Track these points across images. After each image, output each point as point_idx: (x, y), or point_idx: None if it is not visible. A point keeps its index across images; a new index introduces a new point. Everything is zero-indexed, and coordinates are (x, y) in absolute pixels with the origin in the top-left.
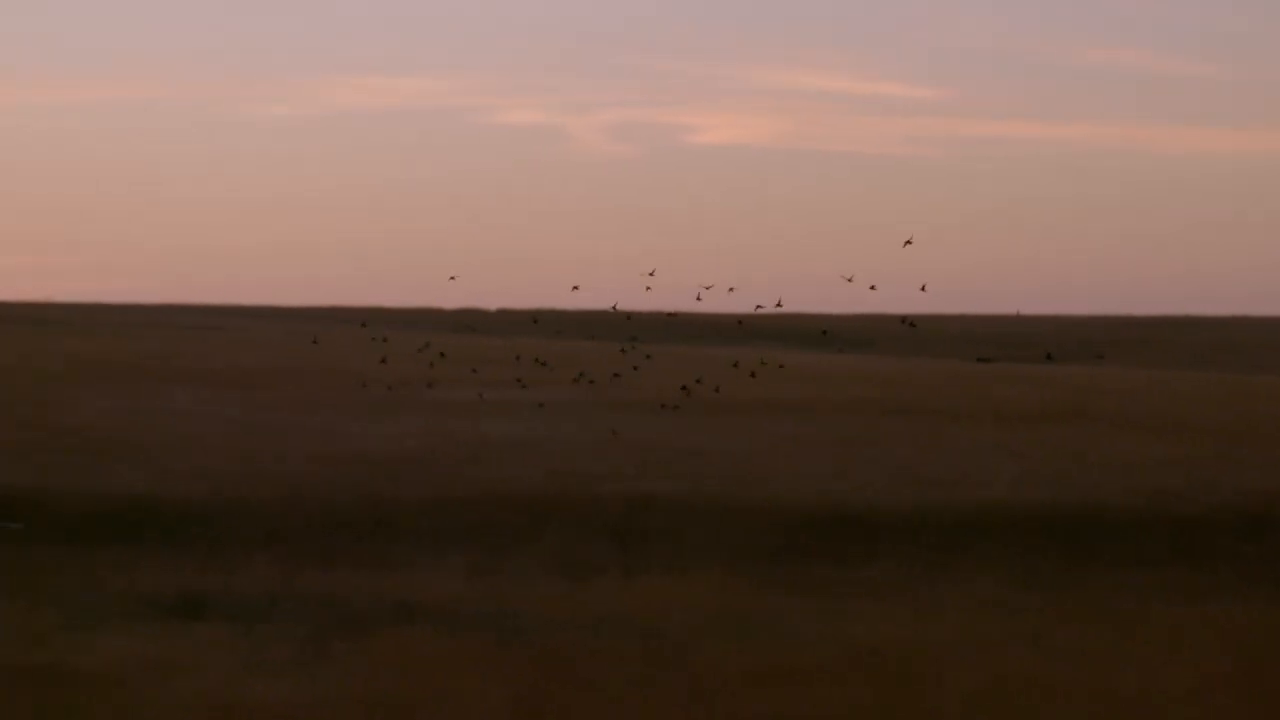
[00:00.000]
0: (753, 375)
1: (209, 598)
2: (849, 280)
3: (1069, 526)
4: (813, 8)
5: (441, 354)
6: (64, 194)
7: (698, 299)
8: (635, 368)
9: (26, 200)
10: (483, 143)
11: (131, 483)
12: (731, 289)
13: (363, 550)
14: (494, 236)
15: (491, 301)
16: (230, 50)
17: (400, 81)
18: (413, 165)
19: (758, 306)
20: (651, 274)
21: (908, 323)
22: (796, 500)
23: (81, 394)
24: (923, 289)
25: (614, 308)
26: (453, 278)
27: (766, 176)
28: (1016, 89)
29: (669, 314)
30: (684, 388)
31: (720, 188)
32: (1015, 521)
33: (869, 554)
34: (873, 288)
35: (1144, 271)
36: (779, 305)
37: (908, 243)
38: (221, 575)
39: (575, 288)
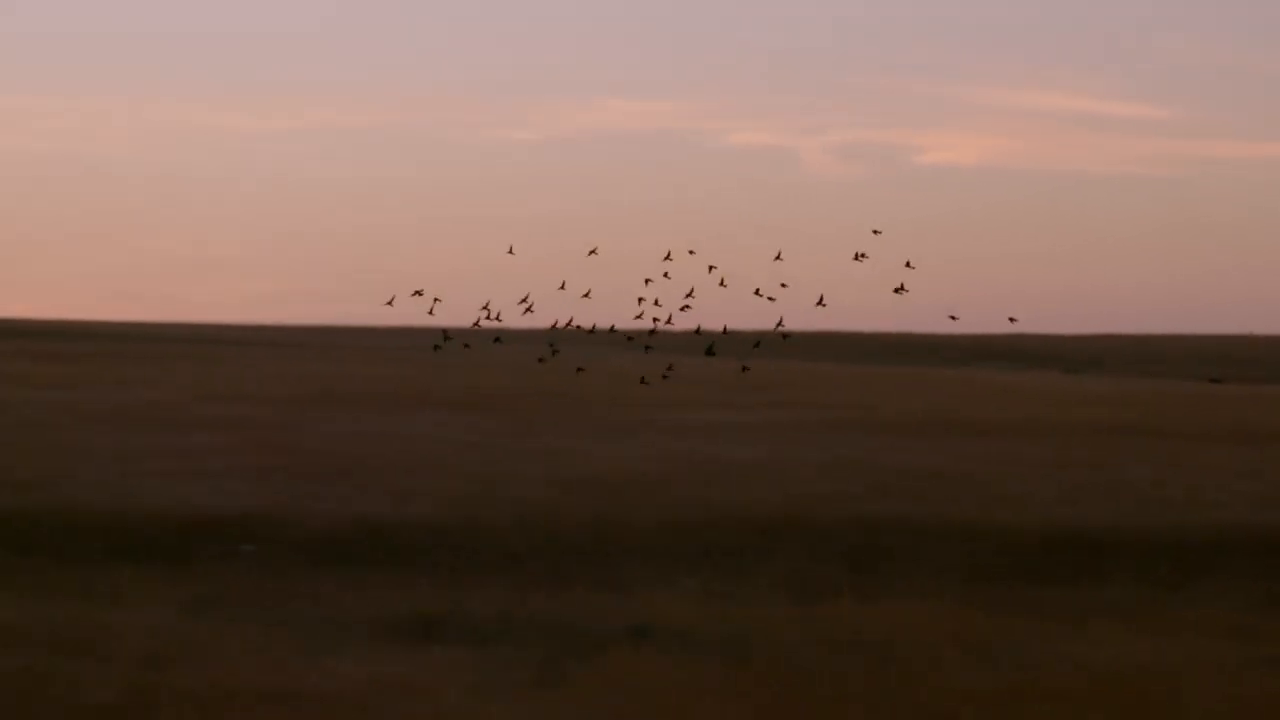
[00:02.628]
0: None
1: (443, 620)
2: (860, 258)
3: None
4: (1041, 27)
5: (670, 368)
6: (304, 219)
7: (900, 288)
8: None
9: (266, 227)
10: (714, 165)
11: (367, 506)
12: (954, 318)
13: (596, 573)
14: (725, 257)
15: (722, 322)
16: (471, 75)
17: (636, 105)
18: (645, 187)
19: (1012, 319)
20: (822, 302)
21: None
22: (1032, 522)
23: (319, 418)
24: (1011, 320)
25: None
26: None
27: (995, 196)
28: (1247, 108)
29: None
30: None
31: (948, 208)
32: (1254, 543)
33: (1105, 576)
34: (953, 318)
35: None
36: (1012, 321)
37: (864, 253)
38: (456, 598)
39: (821, 302)
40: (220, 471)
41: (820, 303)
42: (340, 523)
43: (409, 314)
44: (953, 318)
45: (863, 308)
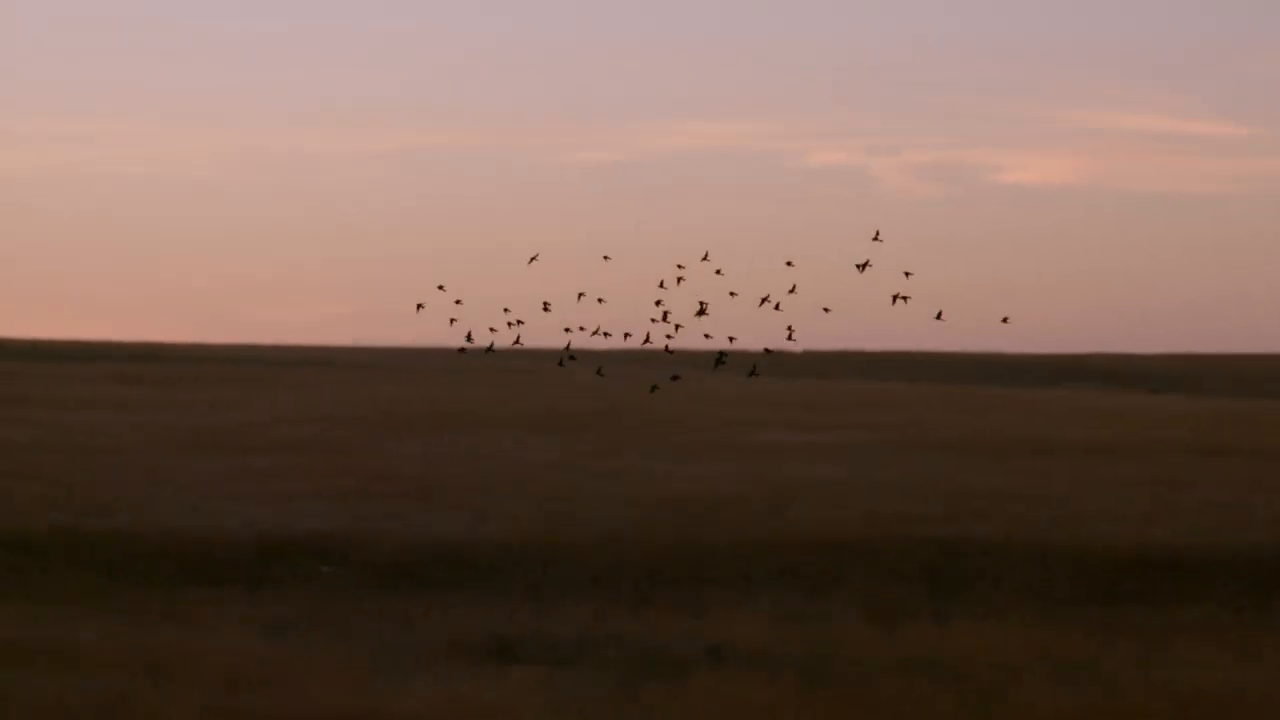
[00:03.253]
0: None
1: (522, 642)
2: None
3: None
4: (1121, 46)
5: (758, 376)
6: (381, 242)
7: (1004, 320)
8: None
9: (346, 249)
10: (792, 185)
11: (445, 527)
12: (1005, 319)
13: (675, 594)
14: (803, 278)
15: (800, 343)
16: (549, 97)
17: (715, 126)
18: (725, 208)
19: (1005, 319)
20: (937, 317)
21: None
22: (1112, 542)
23: (397, 439)
24: (1004, 320)
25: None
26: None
27: (1076, 215)
28: None
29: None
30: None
31: (1029, 227)
32: None
33: (1187, 597)
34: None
35: None
36: (1005, 321)
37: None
38: (535, 619)
39: (902, 296)
40: (299, 494)
41: (826, 310)
42: (418, 544)
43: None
44: (1005, 320)
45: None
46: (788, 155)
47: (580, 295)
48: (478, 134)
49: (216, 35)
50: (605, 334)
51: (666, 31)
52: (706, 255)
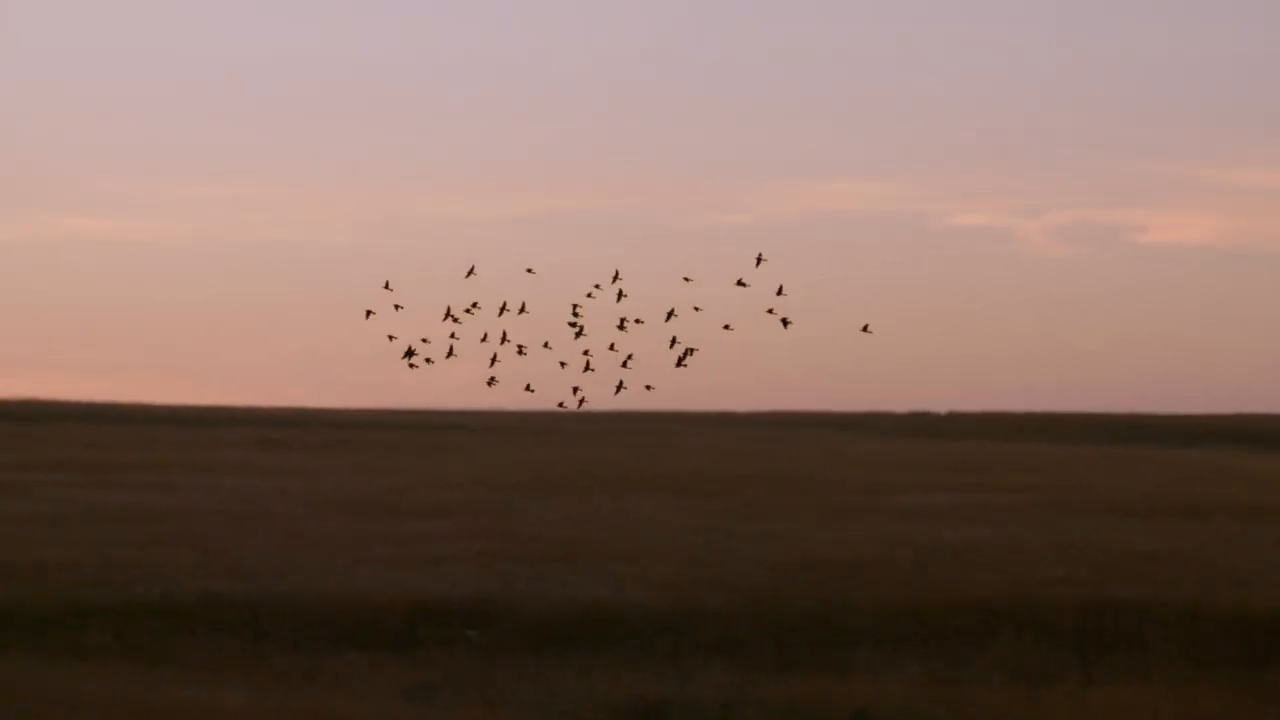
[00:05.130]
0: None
1: (666, 705)
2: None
3: None
4: (1262, 104)
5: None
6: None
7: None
8: (1082, 471)
9: (489, 311)
10: (934, 245)
11: (589, 590)
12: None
13: (819, 657)
14: (946, 338)
15: (942, 404)
16: (689, 158)
17: (857, 186)
18: (867, 268)
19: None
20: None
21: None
22: (1263, 604)
23: (543, 501)
24: (865, 328)
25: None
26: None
27: (1220, 274)
28: None
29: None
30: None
31: (1172, 287)
32: None
33: None
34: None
35: None
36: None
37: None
38: (679, 682)
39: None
40: (444, 557)
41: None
42: (562, 607)
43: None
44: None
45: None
46: (931, 216)
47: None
48: (616, 197)
49: (354, 101)
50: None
51: (804, 90)
52: (617, 275)
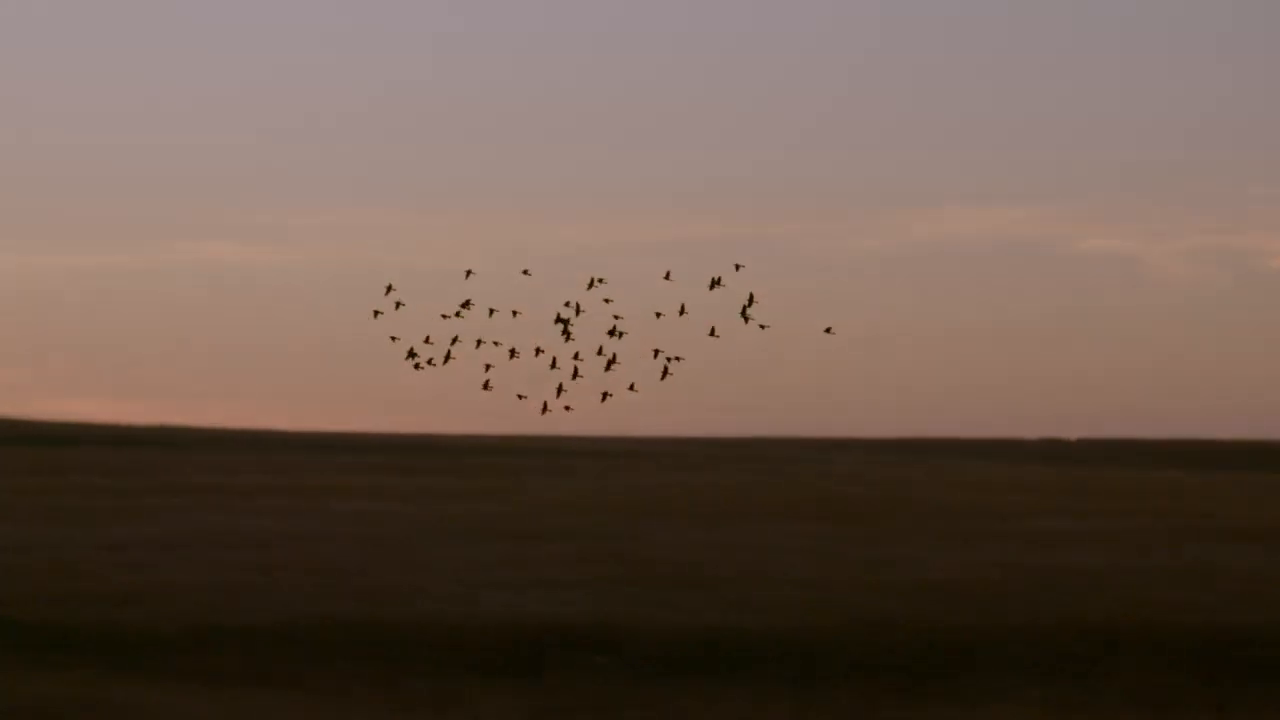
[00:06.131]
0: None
1: None
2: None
3: None
4: None
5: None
6: (648, 333)
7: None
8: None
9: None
10: (1062, 271)
11: (713, 616)
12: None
13: (941, 682)
14: (1075, 364)
15: (1072, 430)
16: (821, 185)
17: (984, 212)
18: (995, 294)
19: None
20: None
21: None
22: None
23: (666, 527)
24: (828, 330)
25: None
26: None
27: None
28: None
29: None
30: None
31: None
32: None
33: None
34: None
35: None
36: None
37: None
38: (801, 708)
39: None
40: (569, 582)
41: (829, 330)
42: (687, 633)
43: (746, 424)
44: (827, 330)
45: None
46: (1059, 241)
47: None
48: (747, 224)
49: (482, 128)
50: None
51: (935, 117)
52: (593, 282)
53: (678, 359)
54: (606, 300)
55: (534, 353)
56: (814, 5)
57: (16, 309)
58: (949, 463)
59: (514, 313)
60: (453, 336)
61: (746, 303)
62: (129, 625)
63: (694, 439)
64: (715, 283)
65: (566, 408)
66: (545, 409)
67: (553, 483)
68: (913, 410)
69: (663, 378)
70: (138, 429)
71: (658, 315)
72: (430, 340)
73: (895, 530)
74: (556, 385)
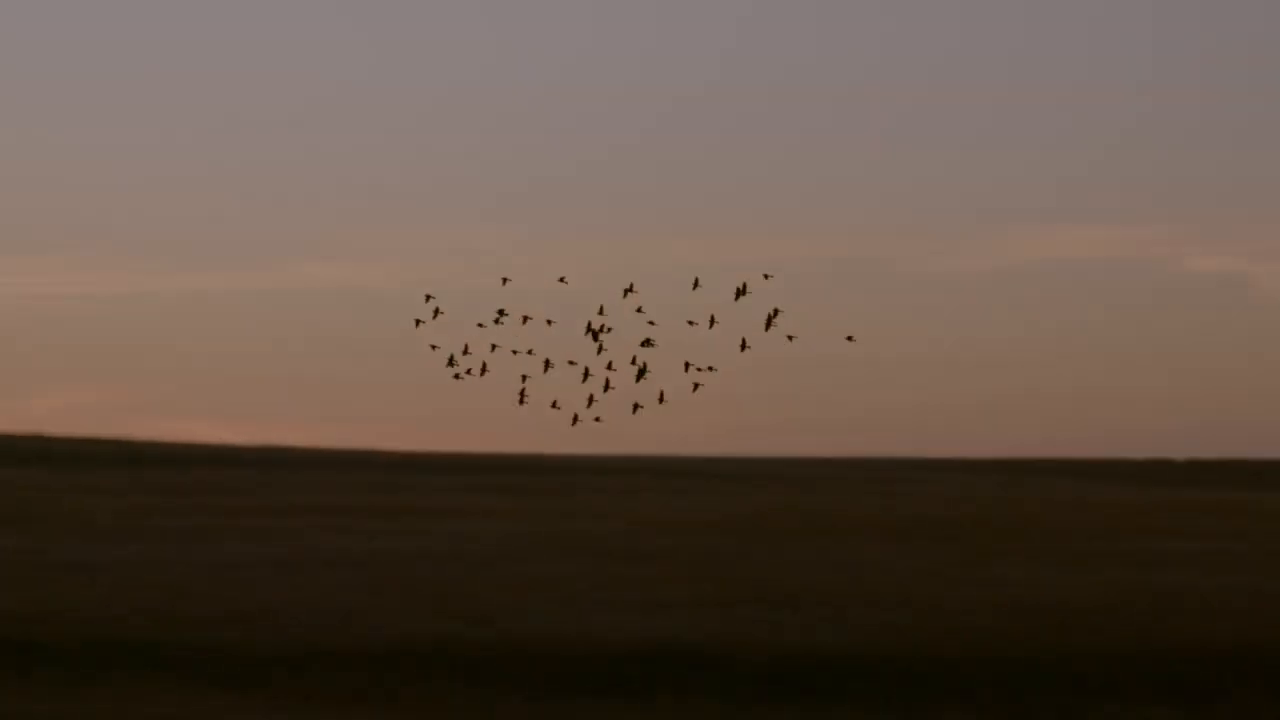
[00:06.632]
0: None
1: None
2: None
3: None
4: None
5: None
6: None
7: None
8: None
9: (725, 359)
10: (1166, 291)
11: (820, 635)
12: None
13: (1051, 705)
14: (1182, 384)
15: (1179, 452)
16: (920, 203)
17: (1093, 229)
18: (1099, 313)
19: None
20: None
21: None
22: None
23: (769, 546)
24: (849, 339)
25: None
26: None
27: None
28: None
29: None
30: None
31: None
32: None
33: None
34: (849, 338)
35: None
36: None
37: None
38: None
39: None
40: (675, 602)
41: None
42: (795, 653)
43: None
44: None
45: None
46: (1165, 261)
47: None
48: (843, 244)
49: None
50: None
51: (1034, 131)
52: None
53: (710, 369)
54: (639, 310)
55: (567, 364)
56: (906, 22)
57: (129, 330)
58: (1055, 482)
59: (548, 321)
60: (491, 345)
61: (771, 314)
62: (233, 645)
63: (799, 459)
64: (741, 291)
65: (596, 419)
66: (575, 420)
67: (662, 502)
68: (1015, 430)
69: (694, 390)
70: (247, 449)
71: (690, 324)
72: (469, 350)
73: (1004, 550)
74: (587, 396)
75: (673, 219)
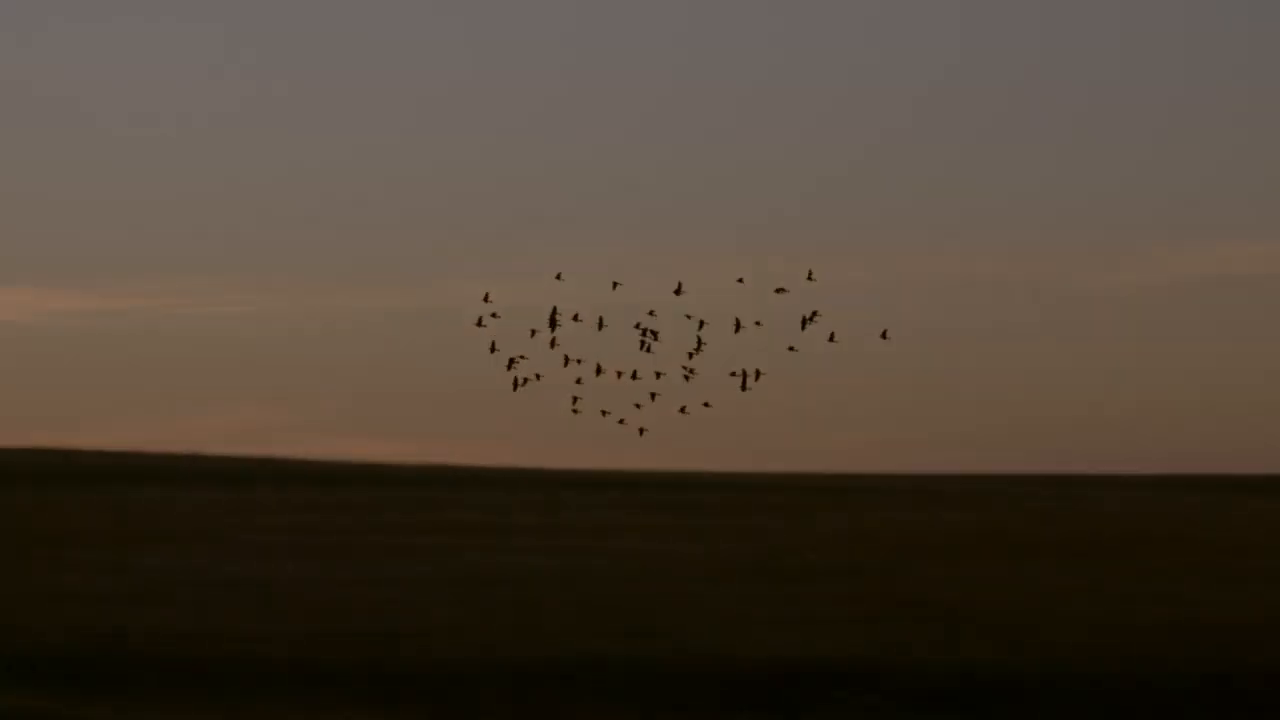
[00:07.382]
0: None
1: None
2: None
3: None
4: None
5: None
6: (901, 371)
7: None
8: None
9: (873, 377)
10: None
11: (980, 653)
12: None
13: None
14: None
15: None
16: (1060, 219)
17: (1254, 245)
18: (1259, 330)
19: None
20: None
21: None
22: None
23: (928, 564)
24: (884, 335)
25: None
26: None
27: None
28: None
29: None
30: None
31: None
32: None
33: None
34: (779, 290)
35: None
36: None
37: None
38: None
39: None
40: (834, 619)
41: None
42: (955, 671)
43: (1008, 461)
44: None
45: None
46: None
47: None
48: (1003, 260)
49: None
50: None
51: (1200, 143)
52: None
53: (758, 373)
54: (688, 316)
55: (615, 375)
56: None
57: (290, 348)
58: (1218, 499)
59: (600, 322)
60: (550, 340)
61: (808, 316)
62: (391, 663)
63: (956, 475)
64: (779, 290)
65: (641, 430)
66: (622, 423)
67: (824, 519)
68: (1175, 446)
69: (743, 388)
70: (406, 467)
71: (738, 327)
72: (525, 356)
73: (1163, 568)
74: (634, 402)
75: (793, 228)
